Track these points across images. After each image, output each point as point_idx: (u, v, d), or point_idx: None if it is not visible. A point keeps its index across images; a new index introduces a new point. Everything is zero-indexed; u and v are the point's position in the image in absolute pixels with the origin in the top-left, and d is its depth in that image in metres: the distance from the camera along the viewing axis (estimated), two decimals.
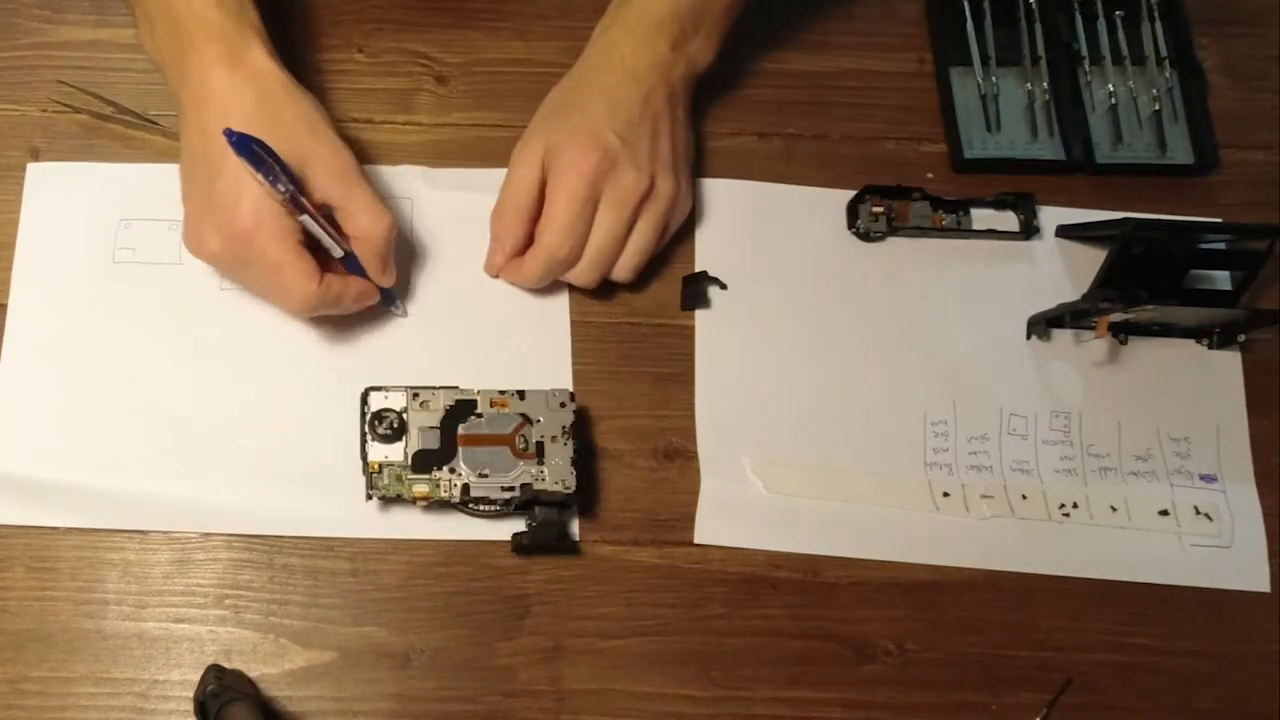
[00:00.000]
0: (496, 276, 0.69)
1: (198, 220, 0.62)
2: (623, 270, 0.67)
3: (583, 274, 0.67)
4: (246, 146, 0.58)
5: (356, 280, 0.65)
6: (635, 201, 0.65)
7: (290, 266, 0.61)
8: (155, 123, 0.70)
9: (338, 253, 0.63)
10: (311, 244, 0.63)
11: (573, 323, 0.69)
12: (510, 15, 0.76)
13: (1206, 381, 0.70)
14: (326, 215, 0.63)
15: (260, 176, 0.59)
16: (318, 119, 0.63)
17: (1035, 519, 0.66)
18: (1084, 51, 0.75)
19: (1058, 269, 0.71)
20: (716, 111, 0.74)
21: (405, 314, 0.68)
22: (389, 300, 0.68)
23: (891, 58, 0.76)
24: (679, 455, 0.67)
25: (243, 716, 0.55)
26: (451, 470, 0.61)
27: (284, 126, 0.61)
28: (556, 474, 0.61)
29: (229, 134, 0.58)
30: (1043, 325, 0.69)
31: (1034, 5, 0.76)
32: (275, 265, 0.61)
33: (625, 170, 0.64)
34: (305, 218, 0.61)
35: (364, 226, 0.63)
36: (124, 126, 0.71)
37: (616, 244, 0.66)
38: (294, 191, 0.60)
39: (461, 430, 0.62)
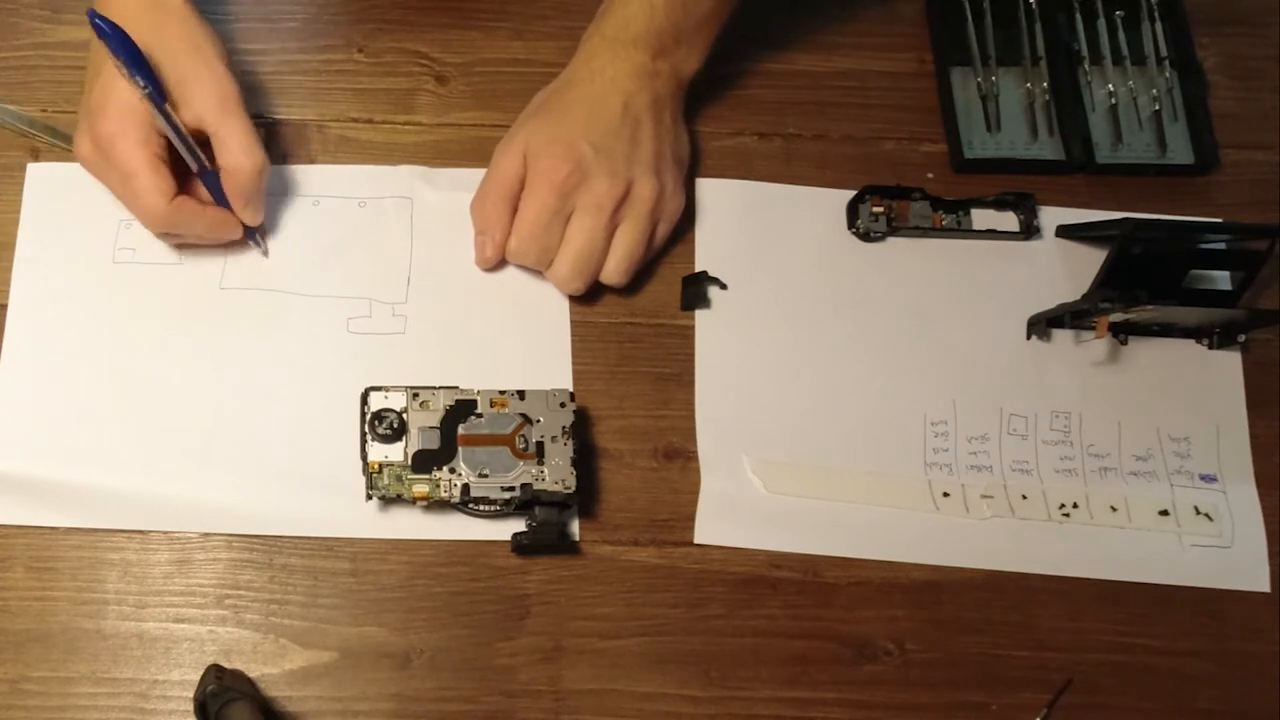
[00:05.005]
0: (489, 269, 0.69)
1: (79, 123, 0.64)
2: (611, 274, 0.67)
3: (565, 280, 0.67)
4: (106, 31, 0.59)
5: (214, 209, 0.66)
6: (610, 207, 0.65)
7: (143, 175, 0.62)
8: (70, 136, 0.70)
9: (194, 166, 0.64)
10: (178, 165, 0.64)
11: (573, 323, 0.69)
12: (510, 15, 0.76)
13: (1206, 381, 0.69)
14: (201, 142, 0.64)
15: (121, 65, 0.60)
16: (207, 46, 0.64)
17: (1035, 519, 0.66)
18: (1084, 51, 0.75)
19: (1058, 269, 0.71)
20: (716, 111, 0.74)
21: (266, 253, 0.68)
22: (251, 237, 0.68)
23: (891, 58, 0.76)
24: (679, 455, 0.66)
25: (243, 716, 0.55)
26: (451, 470, 0.61)
27: (169, 42, 0.62)
28: (556, 474, 0.61)
29: (92, 15, 0.59)
30: (1043, 325, 0.69)
31: (1034, 5, 0.76)
32: (129, 171, 0.62)
33: (597, 178, 0.64)
34: (162, 121, 0.62)
35: (234, 158, 0.63)
36: (38, 142, 0.71)
37: (595, 249, 0.66)
38: (153, 91, 0.60)
39: (461, 430, 0.62)
